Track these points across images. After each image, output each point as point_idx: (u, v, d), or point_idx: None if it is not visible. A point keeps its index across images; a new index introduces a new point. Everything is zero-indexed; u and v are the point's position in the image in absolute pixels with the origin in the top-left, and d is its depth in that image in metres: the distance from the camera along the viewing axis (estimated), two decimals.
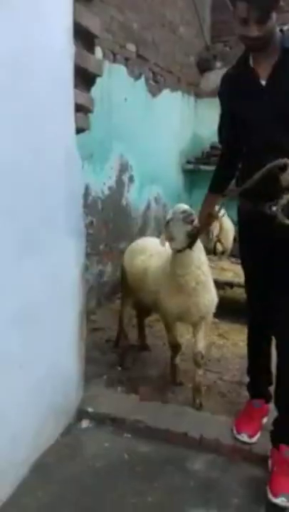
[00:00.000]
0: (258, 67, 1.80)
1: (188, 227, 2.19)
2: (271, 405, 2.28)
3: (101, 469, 1.96)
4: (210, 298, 2.48)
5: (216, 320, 3.69)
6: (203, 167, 5.77)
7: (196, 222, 2.19)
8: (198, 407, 2.45)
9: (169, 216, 2.31)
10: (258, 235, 1.93)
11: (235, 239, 4.80)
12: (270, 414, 2.25)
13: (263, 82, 1.78)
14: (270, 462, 1.93)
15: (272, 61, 1.74)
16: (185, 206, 2.27)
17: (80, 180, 2.08)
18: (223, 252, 4.46)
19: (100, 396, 2.47)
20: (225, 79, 1.98)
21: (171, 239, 2.28)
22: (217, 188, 2.21)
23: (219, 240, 4.36)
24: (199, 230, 2.24)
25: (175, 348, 2.67)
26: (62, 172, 1.87)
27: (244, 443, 2.09)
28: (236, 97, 1.90)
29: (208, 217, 2.23)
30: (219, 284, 3.96)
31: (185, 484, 1.89)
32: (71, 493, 1.82)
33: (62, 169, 1.88)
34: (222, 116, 2.09)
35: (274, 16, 1.65)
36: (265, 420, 2.25)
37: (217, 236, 4.34)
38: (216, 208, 2.19)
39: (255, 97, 1.81)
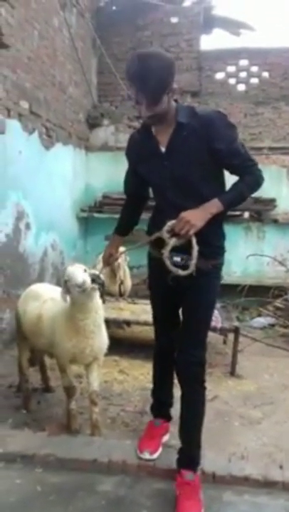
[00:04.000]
0: (159, 135, 2.05)
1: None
2: (170, 424, 2.53)
3: (15, 503, 2.00)
4: (103, 340, 2.64)
5: (116, 357, 3.92)
6: (96, 215, 6.12)
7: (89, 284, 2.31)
8: None
9: (66, 277, 2.36)
10: (163, 275, 2.11)
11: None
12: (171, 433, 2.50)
13: (163, 149, 2.03)
14: (175, 488, 2.10)
15: (170, 131, 1.99)
16: (79, 279, 2.28)
17: None
18: (122, 294, 4.76)
19: (8, 437, 2.50)
20: (131, 141, 2.24)
21: (69, 292, 2.39)
22: (121, 231, 2.50)
23: (122, 282, 4.67)
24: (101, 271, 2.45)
25: (69, 390, 2.69)
26: None
27: (147, 460, 2.29)
28: (141, 160, 2.16)
29: (110, 257, 2.47)
30: (118, 323, 4.22)
31: (97, 504, 2.03)
32: None
33: None
34: (128, 172, 2.37)
35: (166, 98, 1.88)
36: (165, 438, 2.48)
37: (120, 279, 4.66)
38: (120, 250, 2.50)
39: (157, 162, 2.06)
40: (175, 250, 2.01)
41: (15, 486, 2.14)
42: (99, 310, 2.53)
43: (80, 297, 2.37)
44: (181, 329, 2.23)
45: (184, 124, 1.96)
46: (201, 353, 2.16)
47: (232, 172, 2.08)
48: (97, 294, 2.44)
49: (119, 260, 4.30)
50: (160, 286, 2.22)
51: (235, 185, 2.05)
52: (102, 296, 2.44)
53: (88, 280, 2.32)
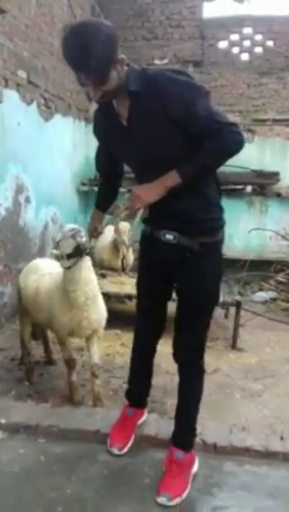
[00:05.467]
0: (119, 108, 1.86)
1: (78, 241, 2.35)
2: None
3: (19, 472, 2.03)
4: (99, 313, 2.66)
5: (118, 331, 3.93)
6: (97, 189, 6.02)
7: (84, 239, 2.35)
8: None
9: (58, 237, 2.46)
10: (152, 255, 2.07)
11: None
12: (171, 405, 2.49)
13: (125, 123, 1.85)
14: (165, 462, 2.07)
15: (127, 103, 1.81)
16: (72, 225, 2.45)
17: None
18: (124, 268, 4.78)
19: (12, 408, 2.52)
20: (96, 120, 2.09)
21: (60, 258, 2.43)
22: (101, 205, 2.40)
23: (124, 257, 4.68)
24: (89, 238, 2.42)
25: (70, 363, 2.72)
26: None
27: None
28: (108, 138, 2.03)
29: (95, 231, 2.41)
30: (120, 297, 4.23)
31: (99, 474, 2.05)
32: None
33: None
34: (98, 151, 2.26)
35: (114, 73, 1.69)
36: (142, 420, 2.39)
37: (123, 254, 4.68)
38: (103, 223, 2.45)
39: (122, 139, 1.90)
40: (167, 228, 1.92)
41: (19, 455, 2.16)
42: (90, 284, 2.55)
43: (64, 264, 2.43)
44: (176, 311, 2.06)
45: (136, 92, 1.75)
46: (195, 339, 2.02)
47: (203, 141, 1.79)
48: (85, 267, 2.47)
49: (124, 237, 4.47)
50: (149, 267, 2.13)
51: (198, 152, 1.78)
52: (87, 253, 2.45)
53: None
